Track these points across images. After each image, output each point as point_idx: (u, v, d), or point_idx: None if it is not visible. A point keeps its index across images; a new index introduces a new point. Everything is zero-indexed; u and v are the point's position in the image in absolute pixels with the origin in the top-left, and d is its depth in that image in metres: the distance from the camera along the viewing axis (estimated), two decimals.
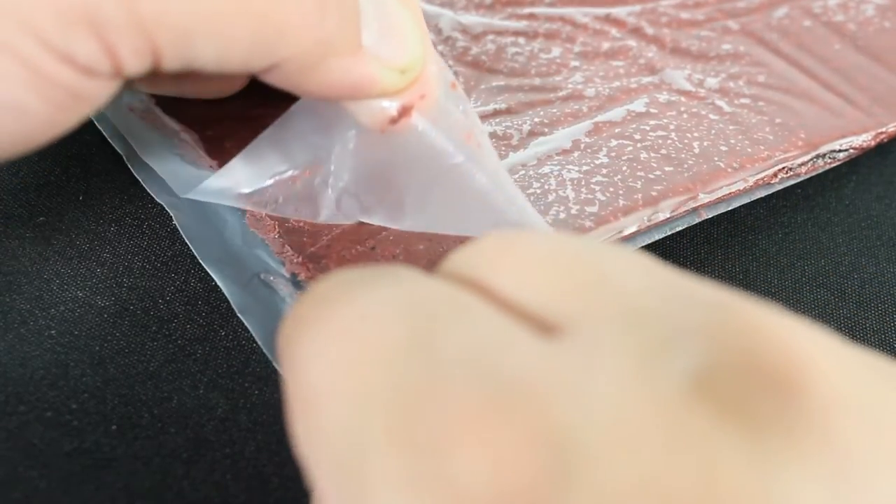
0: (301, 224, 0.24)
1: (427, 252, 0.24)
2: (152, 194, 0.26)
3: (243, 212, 0.25)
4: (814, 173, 0.28)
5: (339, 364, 0.14)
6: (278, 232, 0.24)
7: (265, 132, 0.24)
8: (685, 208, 0.26)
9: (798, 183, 0.29)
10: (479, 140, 0.23)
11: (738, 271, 0.27)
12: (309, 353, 0.15)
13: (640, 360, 0.13)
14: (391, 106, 0.22)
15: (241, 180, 0.24)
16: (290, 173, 0.24)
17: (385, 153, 0.23)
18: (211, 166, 0.26)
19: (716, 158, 0.27)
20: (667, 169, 0.26)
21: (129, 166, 0.26)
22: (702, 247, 0.27)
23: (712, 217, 0.28)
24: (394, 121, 0.22)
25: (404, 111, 0.22)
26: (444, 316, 0.14)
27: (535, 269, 0.15)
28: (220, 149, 0.26)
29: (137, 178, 0.26)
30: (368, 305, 0.14)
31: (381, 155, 0.23)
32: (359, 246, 0.24)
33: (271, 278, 0.24)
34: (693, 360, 0.13)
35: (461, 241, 0.24)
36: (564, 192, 0.26)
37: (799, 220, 0.28)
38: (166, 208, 0.25)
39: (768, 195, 0.28)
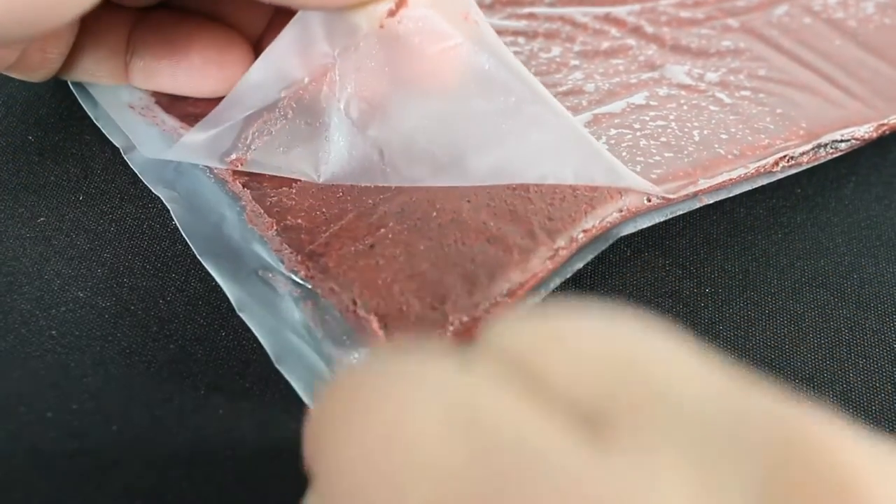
0: (299, 221, 0.24)
1: (428, 253, 0.24)
2: (150, 186, 0.26)
3: (242, 207, 0.25)
4: (815, 163, 0.28)
5: (381, 476, 0.13)
6: (276, 229, 0.24)
7: (265, 51, 0.24)
8: (685, 192, 0.26)
9: (798, 183, 0.29)
10: (477, 19, 0.23)
11: (738, 272, 0.27)
12: (348, 457, 0.14)
13: (701, 478, 0.13)
14: (386, 4, 0.22)
15: (247, 99, 0.25)
16: (296, 87, 0.25)
17: (387, 49, 0.23)
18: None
19: (716, 146, 0.27)
20: (666, 155, 0.26)
21: (126, 159, 0.26)
22: (701, 247, 0.27)
23: (712, 217, 0.28)
24: (392, 13, 0.22)
25: (400, 2, 0.22)
26: (499, 446, 0.13)
27: (588, 365, 0.14)
28: None
29: (134, 170, 0.26)
30: (417, 411, 0.14)
31: (383, 52, 0.23)
32: (358, 244, 0.24)
33: (270, 275, 0.24)
34: (753, 479, 0.13)
35: (463, 245, 0.24)
36: None
37: (798, 221, 0.28)
38: (164, 202, 0.25)
39: (768, 196, 0.28)
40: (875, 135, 0.28)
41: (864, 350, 0.25)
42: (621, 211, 0.25)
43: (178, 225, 0.25)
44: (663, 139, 0.27)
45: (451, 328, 0.22)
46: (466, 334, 0.23)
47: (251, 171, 0.25)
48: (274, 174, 0.25)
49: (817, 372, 0.25)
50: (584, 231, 0.24)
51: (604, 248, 0.25)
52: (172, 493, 0.22)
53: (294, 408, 0.23)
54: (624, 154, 0.26)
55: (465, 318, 0.23)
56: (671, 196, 0.25)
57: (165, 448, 0.22)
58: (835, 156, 0.28)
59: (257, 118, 0.25)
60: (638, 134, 0.27)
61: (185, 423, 0.23)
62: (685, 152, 0.27)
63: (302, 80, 0.24)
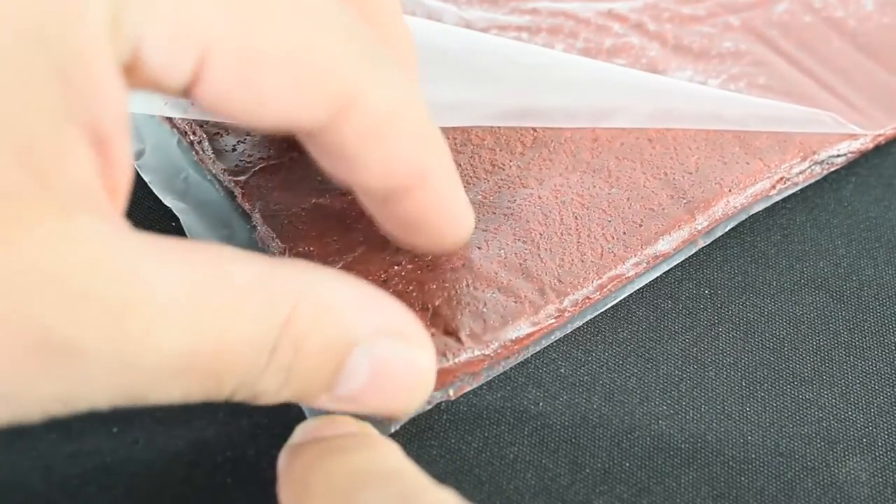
0: (311, 249, 0.24)
1: (440, 291, 0.23)
2: (160, 196, 0.26)
3: (252, 227, 0.25)
4: (812, 180, 0.28)
5: None
6: (288, 257, 0.24)
7: None
8: (683, 239, 0.26)
9: None
10: None
11: (737, 273, 0.27)
12: None
13: None
14: None
15: None
16: None
17: None
18: (224, 170, 0.26)
19: (712, 179, 0.27)
20: (665, 199, 0.26)
21: (137, 167, 0.26)
22: (701, 249, 0.27)
23: None
24: None
25: None
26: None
27: None
28: (229, 147, 0.26)
29: (145, 179, 0.26)
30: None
31: None
32: (371, 277, 0.23)
33: None
34: None
35: (475, 289, 0.24)
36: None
37: (798, 222, 0.28)
38: (174, 211, 0.25)
39: None
40: (871, 145, 0.29)
41: (864, 352, 0.25)
42: (621, 277, 0.25)
43: (188, 235, 0.25)
44: (663, 172, 0.27)
45: (457, 359, 0.22)
46: (474, 367, 0.23)
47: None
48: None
49: (816, 374, 0.25)
50: (589, 298, 0.24)
51: (604, 309, 0.25)
52: (173, 497, 0.22)
53: (295, 411, 0.23)
54: (625, 194, 0.26)
55: (475, 352, 0.23)
56: (669, 250, 0.25)
57: (166, 451, 0.22)
58: (831, 171, 0.28)
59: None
60: (637, 170, 0.27)
61: (186, 426, 0.23)
62: (684, 193, 0.26)
63: None
